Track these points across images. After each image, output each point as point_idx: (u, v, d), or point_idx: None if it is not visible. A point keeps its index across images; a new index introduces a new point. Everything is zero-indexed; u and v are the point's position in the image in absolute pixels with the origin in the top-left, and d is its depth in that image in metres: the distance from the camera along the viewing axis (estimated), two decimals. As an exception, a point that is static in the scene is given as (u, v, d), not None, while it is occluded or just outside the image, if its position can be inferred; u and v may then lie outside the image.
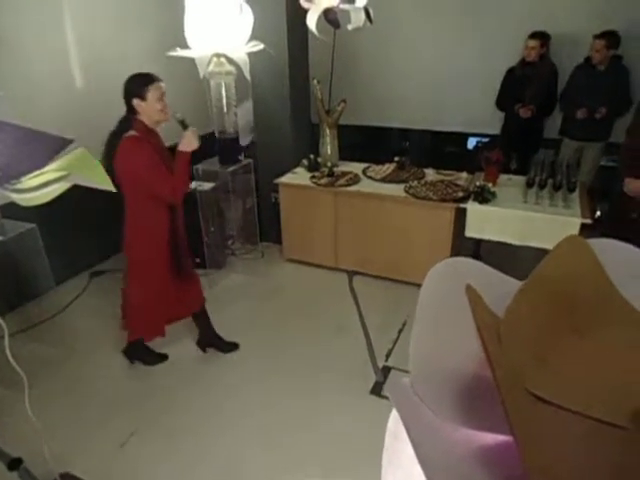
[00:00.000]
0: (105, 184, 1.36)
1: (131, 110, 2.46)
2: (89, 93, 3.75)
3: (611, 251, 0.56)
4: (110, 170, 2.44)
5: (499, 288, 0.55)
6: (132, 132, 2.44)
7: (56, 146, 1.43)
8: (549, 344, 0.47)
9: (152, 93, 2.42)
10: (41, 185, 1.37)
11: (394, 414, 0.53)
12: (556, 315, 0.50)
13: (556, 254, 0.54)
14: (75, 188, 1.40)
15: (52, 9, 3.44)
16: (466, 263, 0.60)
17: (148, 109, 2.43)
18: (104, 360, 3.14)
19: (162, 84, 2.47)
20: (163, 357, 3.13)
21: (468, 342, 0.50)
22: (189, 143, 2.51)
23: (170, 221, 2.63)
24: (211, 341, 3.15)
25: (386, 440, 0.55)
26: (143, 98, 2.41)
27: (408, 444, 0.43)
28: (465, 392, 0.49)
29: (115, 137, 2.46)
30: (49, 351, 3.20)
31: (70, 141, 1.45)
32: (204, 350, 3.17)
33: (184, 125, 2.56)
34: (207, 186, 3.94)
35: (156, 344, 3.29)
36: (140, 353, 3.08)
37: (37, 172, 1.38)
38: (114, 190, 1.39)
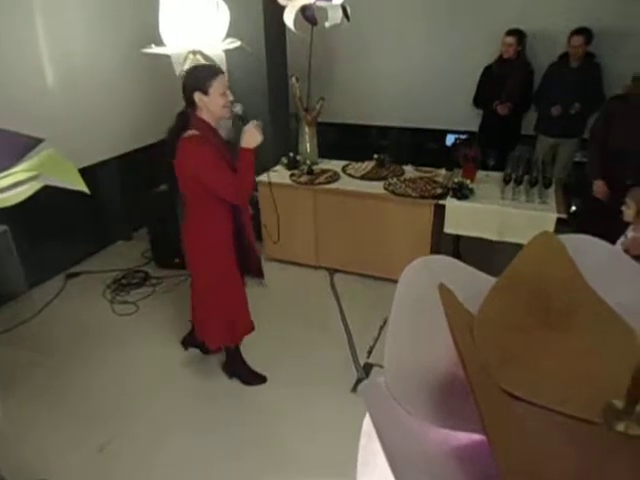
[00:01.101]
0: (77, 184, 1.33)
1: (190, 105, 2.27)
2: (61, 92, 3.67)
3: (583, 247, 0.56)
4: (173, 170, 2.30)
5: (473, 285, 0.55)
6: (192, 131, 2.24)
7: (26, 146, 1.40)
8: (522, 341, 0.48)
9: (215, 87, 2.21)
10: (11, 186, 1.34)
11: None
12: (529, 312, 0.50)
13: (528, 251, 0.54)
14: (47, 188, 1.36)
15: (23, 7, 3.35)
16: (441, 261, 0.60)
17: (210, 104, 2.23)
18: (80, 364, 3.08)
19: (226, 77, 2.29)
20: (263, 378, 2.91)
21: (443, 341, 0.50)
22: (253, 138, 2.30)
23: (234, 223, 2.48)
24: (195, 341, 3.12)
25: (361, 440, 0.54)
26: (205, 92, 2.20)
27: (383, 445, 0.43)
28: (440, 391, 0.49)
29: (174, 134, 2.28)
30: (23, 355, 3.13)
31: (40, 140, 1.42)
32: (186, 348, 3.13)
33: (244, 120, 2.34)
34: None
35: (137, 345, 3.25)
36: (238, 366, 2.90)
37: (6, 172, 1.35)
38: (87, 191, 1.35)
